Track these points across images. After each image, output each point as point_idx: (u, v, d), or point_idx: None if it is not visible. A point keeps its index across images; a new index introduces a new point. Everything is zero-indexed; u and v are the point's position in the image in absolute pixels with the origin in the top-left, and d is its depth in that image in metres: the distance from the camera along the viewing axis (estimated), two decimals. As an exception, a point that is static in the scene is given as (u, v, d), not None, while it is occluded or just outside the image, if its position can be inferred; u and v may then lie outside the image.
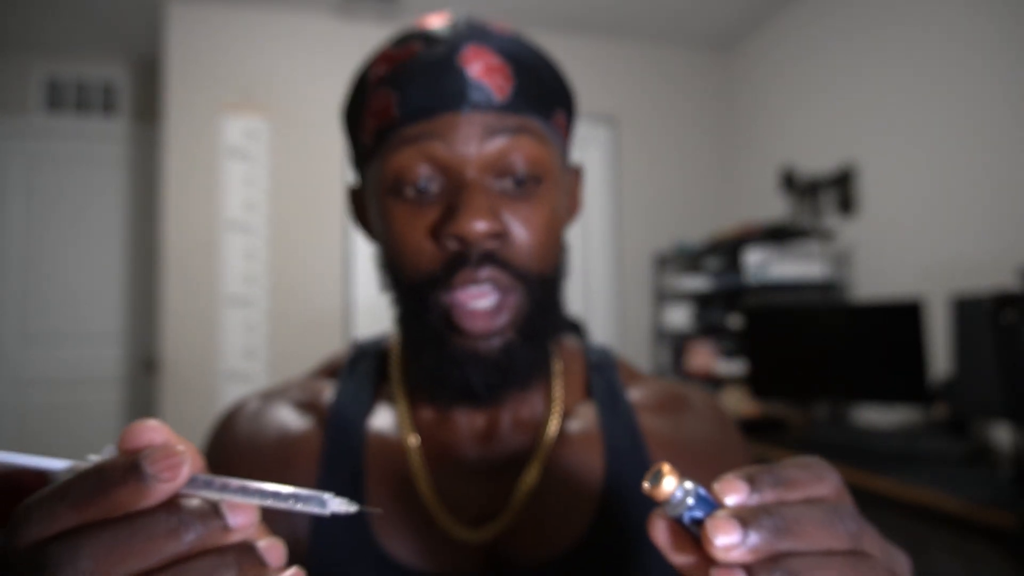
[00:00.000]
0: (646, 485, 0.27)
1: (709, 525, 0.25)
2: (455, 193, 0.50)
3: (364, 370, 0.62)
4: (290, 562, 0.50)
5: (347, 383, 0.60)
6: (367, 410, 0.58)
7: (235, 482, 0.26)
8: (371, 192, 0.55)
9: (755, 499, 0.26)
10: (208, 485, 0.26)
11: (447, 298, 0.50)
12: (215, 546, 0.25)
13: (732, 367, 2.87)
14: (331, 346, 3.05)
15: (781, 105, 3.32)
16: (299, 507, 0.26)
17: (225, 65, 3.12)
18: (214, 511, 0.25)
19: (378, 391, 0.60)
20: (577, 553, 0.51)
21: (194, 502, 0.25)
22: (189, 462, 0.25)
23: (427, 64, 0.51)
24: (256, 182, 3.12)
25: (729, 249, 2.96)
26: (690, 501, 0.26)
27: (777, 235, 2.80)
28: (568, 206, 0.59)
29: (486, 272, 0.49)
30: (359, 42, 3.23)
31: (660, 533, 0.28)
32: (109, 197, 3.61)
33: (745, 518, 0.25)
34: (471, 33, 0.52)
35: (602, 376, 0.62)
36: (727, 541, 0.25)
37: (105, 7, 3.11)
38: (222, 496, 0.26)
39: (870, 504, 1.64)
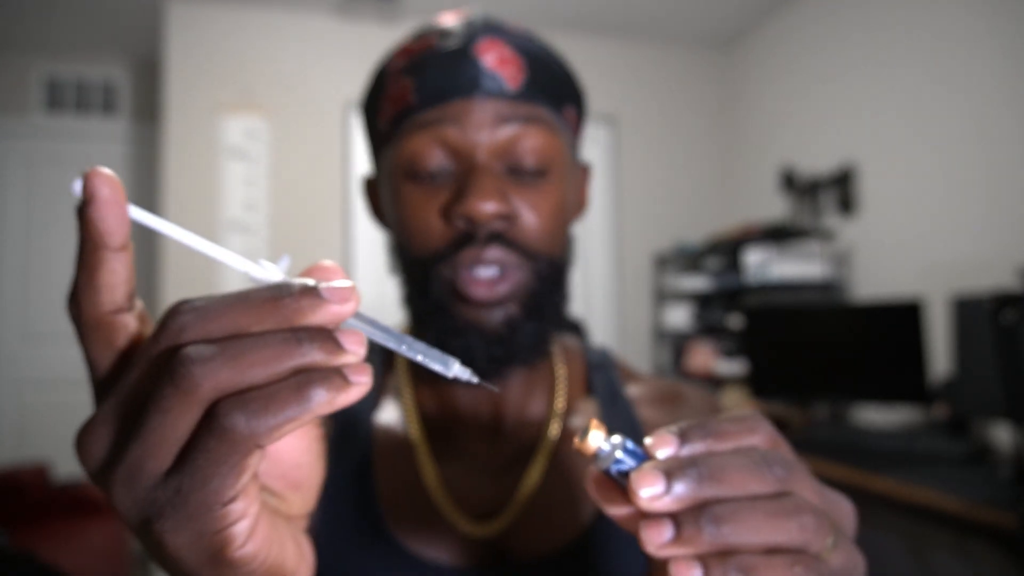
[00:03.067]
0: (576, 440, 0.28)
1: (633, 477, 0.26)
2: (466, 176, 0.51)
3: (369, 363, 0.61)
4: None
5: None
6: (373, 402, 0.59)
7: (372, 323, 0.28)
8: (385, 177, 0.57)
9: (686, 451, 0.27)
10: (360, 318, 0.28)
11: (451, 271, 0.51)
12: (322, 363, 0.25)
13: (732, 367, 2.87)
14: (331, 346, 3.05)
15: (781, 105, 3.32)
16: (424, 360, 0.28)
17: (225, 65, 3.12)
18: (330, 335, 0.26)
19: (384, 384, 0.61)
20: (580, 546, 0.52)
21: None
22: (358, 297, 0.26)
23: (443, 54, 0.53)
24: (256, 182, 3.12)
25: (729, 249, 2.96)
26: (618, 455, 0.27)
27: (777, 235, 2.80)
28: (576, 201, 0.60)
29: (493, 252, 0.51)
30: (359, 42, 3.23)
31: (592, 486, 0.28)
32: (109, 197, 3.61)
33: (670, 469, 0.26)
34: (486, 28, 0.55)
35: (602, 375, 0.63)
36: (651, 492, 0.25)
37: (105, 7, 3.11)
38: (365, 328, 0.27)
39: (870, 504, 1.64)
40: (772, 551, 0.25)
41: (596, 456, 0.28)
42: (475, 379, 0.29)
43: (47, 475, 2.39)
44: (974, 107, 2.29)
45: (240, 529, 0.25)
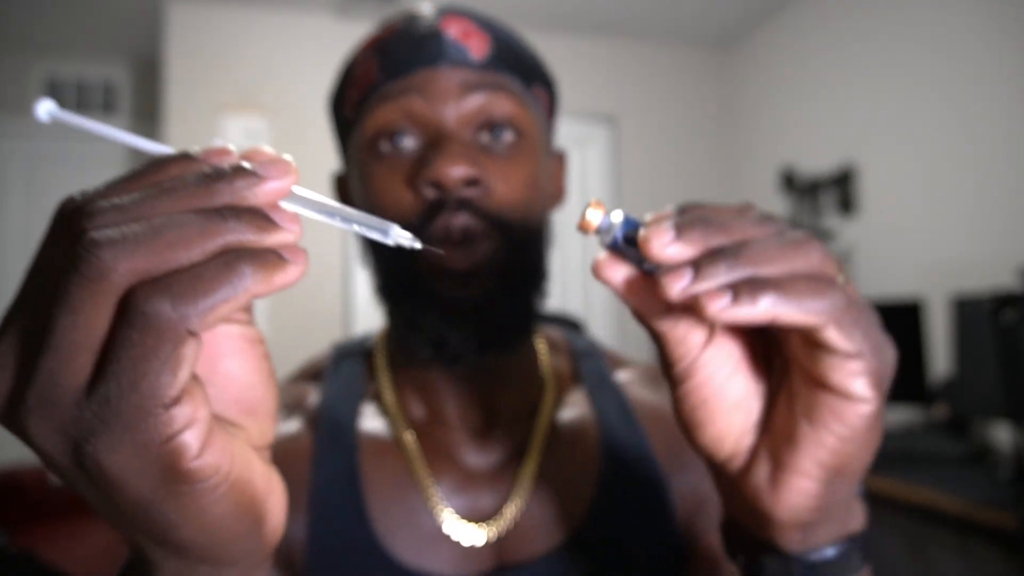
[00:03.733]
0: (577, 224, 0.28)
1: (643, 232, 0.26)
2: (433, 145, 0.50)
3: (349, 370, 0.60)
4: (289, 559, 0.50)
5: (333, 384, 0.59)
6: (356, 410, 0.57)
7: (299, 191, 0.25)
8: (353, 164, 0.56)
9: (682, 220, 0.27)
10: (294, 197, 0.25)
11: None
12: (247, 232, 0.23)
13: (732, 367, 2.87)
14: (331, 346, 3.05)
15: (781, 105, 3.32)
16: (360, 229, 0.26)
17: (225, 65, 3.12)
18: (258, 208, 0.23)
19: (366, 389, 0.59)
20: (578, 540, 0.51)
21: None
22: (296, 172, 0.24)
23: (409, 30, 0.53)
24: (256, 182, 3.12)
25: (729, 249, 2.96)
26: (617, 220, 0.28)
27: (777, 235, 2.80)
28: (551, 191, 0.59)
29: (463, 218, 0.49)
30: (359, 42, 3.23)
31: (602, 266, 0.28)
32: (109, 197, 3.61)
33: (678, 223, 0.26)
34: (451, 8, 0.55)
35: (590, 363, 0.62)
36: (663, 240, 0.25)
37: (105, 7, 3.11)
38: (294, 203, 0.25)
39: (870, 504, 1.63)
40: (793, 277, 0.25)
41: (599, 231, 0.28)
42: (417, 244, 0.27)
43: (47, 475, 2.39)
44: (974, 107, 2.29)
45: (190, 437, 0.22)
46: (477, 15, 0.55)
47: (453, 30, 0.52)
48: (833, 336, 0.25)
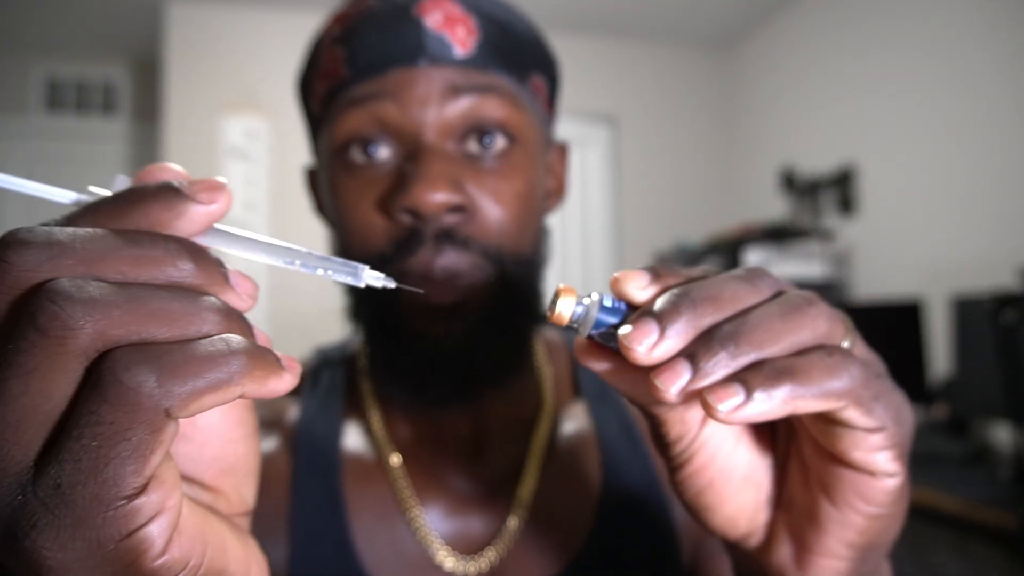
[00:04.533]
0: (548, 313, 0.24)
1: (623, 336, 0.22)
2: (410, 160, 0.43)
3: (329, 382, 0.54)
4: None
5: (311, 397, 0.53)
6: (338, 427, 0.51)
7: (256, 237, 0.23)
8: (322, 165, 0.49)
9: (657, 284, 0.24)
10: (228, 237, 0.22)
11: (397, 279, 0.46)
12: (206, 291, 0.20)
13: (732, 367, 2.87)
14: (331, 346, 3.05)
15: (781, 105, 3.31)
16: (328, 274, 0.23)
17: (225, 65, 3.12)
18: (221, 267, 0.21)
19: (348, 403, 0.53)
20: (576, 570, 0.47)
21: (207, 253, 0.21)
22: (230, 195, 0.21)
23: (380, 16, 0.45)
24: (256, 182, 3.12)
25: (729, 249, 2.96)
26: (595, 314, 0.24)
27: (777, 235, 2.80)
28: (551, 188, 0.53)
29: (447, 258, 0.42)
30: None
31: (584, 357, 0.25)
32: (109, 197, 3.62)
33: (660, 310, 0.22)
34: None
35: (590, 372, 0.58)
36: (647, 342, 0.22)
37: (105, 7, 3.11)
38: (242, 251, 0.22)
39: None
40: (798, 353, 0.23)
41: (572, 323, 0.24)
42: (391, 283, 0.24)
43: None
44: (974, 107, 2.29)
45: (156, 530, 0.18)
46: None
47: (434, 16, 0.44)
48: (853, 415, 0.23)
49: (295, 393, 0.54)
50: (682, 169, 3.69)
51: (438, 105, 0.43)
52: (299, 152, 3.19)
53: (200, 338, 0.18)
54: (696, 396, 0.22)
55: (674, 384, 0.22)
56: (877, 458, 0.24)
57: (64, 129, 3.56)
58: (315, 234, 3.06)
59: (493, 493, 0.49)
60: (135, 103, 3.69)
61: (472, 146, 0.45)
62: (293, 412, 0.52)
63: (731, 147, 3.72)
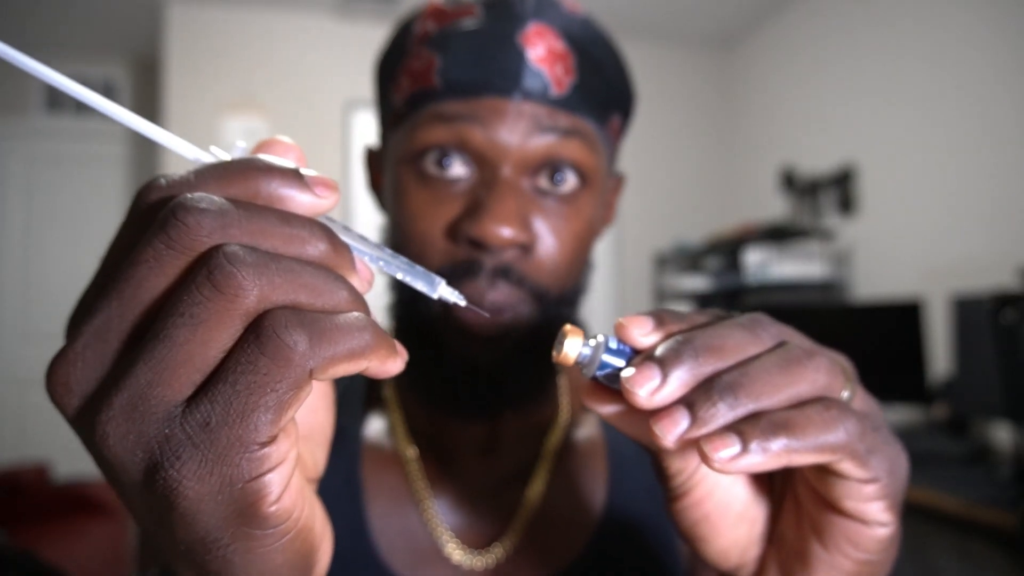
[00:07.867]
0: (554, 354, 0.25)
1: (625, 380, 0.23)
2: (485, 188, 0.43)
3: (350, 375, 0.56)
4: None
5: (336, 382, 0.55)
6: (359, 417, 0.53)
7: (352, 229, 0.25)
8: (390, 160, 0.50)
9: (661, 331, 0.25)
10: (339, 227, 0.24)
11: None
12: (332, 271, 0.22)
13: (732, 367, 2.87)
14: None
15: (781, 105, 3.32)
16: (407, 279, 0.25)
17: (225, 65, 3.12)
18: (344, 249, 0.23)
19: (368, 396, 0.55)
20: (579, 567, 0.48)
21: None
22: (339, 196, 0.23)
23: (483, 33, 0.44)
24: (256, 182, 3.12)
25: (729, 249, 2.96)
26: (604, 358, 0.25)
27: (777, 235, 2.80)
28: (603, 216, 0.54)
29: (499, 293, 0.43)
30: (359, 42, 3.23)
31: (589, 400, 0.26)
32: (109, 197, 3.61)
33: (662, 356, 0.23)
34: (539, 7, 0.45)
35: None
36: (649, 386, 0.23)
37: (105, 7, 3.11)
38: (348, 239, 0.24)
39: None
40: (797, 405, 0.23)
41: (578, 364, 0.25)
42: (462, 300, 0.26)
43: (47, 475, 2.39)
44: (974, 107, 2.29)
45: (276, 478, 0.20)
46: (567, 19, 0.46)
47: (536, 50, 0.44)
48: (848, 467, 0.24)
49: None
50: (682, 169, 3.69)
51: (522, 139, 0.44)
52: (299, 152, 3.20)
53: (338, 312, 0.21)
54: (693, 443, 0.23)
55: (672, 432, 0.23)
56: (870, 508, 0.25)
57: (64, 129, 3.56)
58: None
59: (502, 492, 0.51)
60: (135, 103, 3.69)
61: (543, 181, 0.46)
62: None
63: (731, 147, 3.72)
